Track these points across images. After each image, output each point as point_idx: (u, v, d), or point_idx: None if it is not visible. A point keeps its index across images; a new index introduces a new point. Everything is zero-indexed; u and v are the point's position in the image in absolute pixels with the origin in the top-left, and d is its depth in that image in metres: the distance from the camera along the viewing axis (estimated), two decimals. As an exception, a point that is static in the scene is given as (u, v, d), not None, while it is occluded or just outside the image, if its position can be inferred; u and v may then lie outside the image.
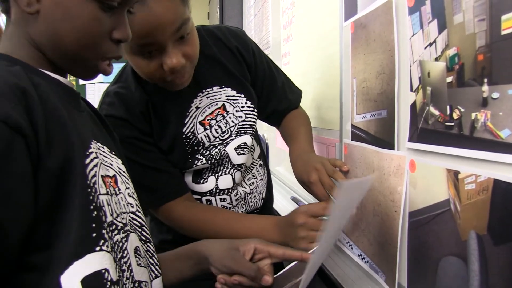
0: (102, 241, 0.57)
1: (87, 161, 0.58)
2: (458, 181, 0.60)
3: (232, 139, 1.05)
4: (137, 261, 0.66)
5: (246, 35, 1.13)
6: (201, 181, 1.05)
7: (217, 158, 1.04)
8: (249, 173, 1.12)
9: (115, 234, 0.61)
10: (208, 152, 1.03)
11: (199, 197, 1.06)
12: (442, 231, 0.65)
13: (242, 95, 1.07)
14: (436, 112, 0.65)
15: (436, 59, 0.65)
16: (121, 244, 0.62)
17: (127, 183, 0.71)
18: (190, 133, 1.02)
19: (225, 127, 1.04)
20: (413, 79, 0.71)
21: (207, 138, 1.03)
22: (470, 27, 0.57)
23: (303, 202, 1.53)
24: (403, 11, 0.74)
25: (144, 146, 0.98)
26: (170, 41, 0.85)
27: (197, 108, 1.02)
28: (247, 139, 1.07)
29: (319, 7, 1.42)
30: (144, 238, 0.72)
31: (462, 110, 0.59)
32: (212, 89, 1.04)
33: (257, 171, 1.14)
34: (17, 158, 0.48)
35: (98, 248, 0.56)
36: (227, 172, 1.05)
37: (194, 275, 0.81)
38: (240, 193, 1.09)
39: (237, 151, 1.06)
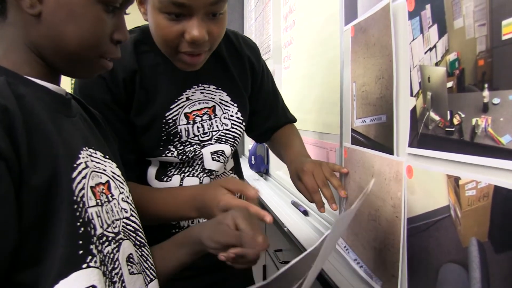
0: (90, 257, 0.56)
1: (74, 174, 0.57)
2: (459, 187, 0.60)
3: (211, 144, 1.02)
4: (129, 269, 0.65)
5: (259, 50, 1.14)
6: (165, 179, 1.00)
7: (189, 156, 0.99)
8: None
9: (106, 246, 0.60)
10: (182, 147, 0.99)
11: None
12: (443, 237, 0.64)
13: (235, 105, 1.05)
14: (437, 118, 0.64)
15: (437, 64, 0.64)
16: (112, 255, 0.61)
17: (121, 187, 0.70)
18: (171, 120, 0.97)
19: (208, 129, 1.01)
20: (414, 84, 0.71)
21: (186, 132, 0.99)
22: (471, 32, 0.56)
23: (303, 207, 1.53)
24: (403, 15, 0.73)
25: (109, 115, 0.91)
26: (203, 11, 0.82)
27: (188, 99, 0.99)
28: (226, 148, 1.04)
29: (320, 11, 1.42)
30: (138, 243, 0.71)
31: (463, 115, 0.58)
32: (209, 87, 1.01)
33: None
34: None
35: (85, 265, 0.55)
36: (195, 175, 1.01)
37: (193, 261, 0.80)
38: None
39: (213, 156, 1.02)
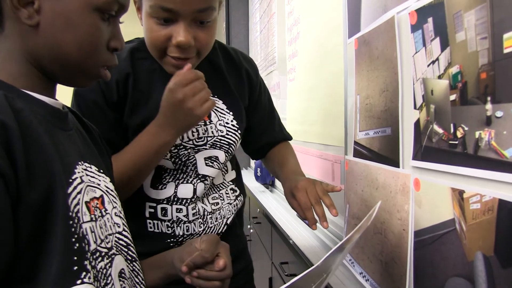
0: (84, 273, 0.55)
1: (70, 189, 0.57)
2: (463, 200, 0.59)
3: (205, 149, 1.01)
4: (121, 284, 0.65)
5: (257, 66, 1.16)
6: (160, 187, 1.00)
7: (182, 160, 0.99)
8: (216, 193, 1.06)
9: (99, 262, 0.60)
10: (176, 150, 0.98)
11: (154, 204, 1.00)
12: (448, 251, 0.63)
13: (231, 113, 1.05)
14: (440, 130, 0.64)
15: (439, 77, 0.64)
16: (104, 271, 0.61)
17: (114, 201, 0.70)
18: None
19: (203, 134, 1.01)
20: (417, 96, 0.71)
21: (180, 136, 0.98)
22: (473, 45, 0.56)
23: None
24: (405, 28, 0.74)
25: (98, 116, 0.94)
26: (190, 18, 0.85)
27: None
28: (220, 154, 1.03)
29: (324, 23, 1.43)
30: (130, 258, 0.71)
31: (466, 128, 0.58)
32: None
33: (226, 194, 1.08)
34: None
35: (79, 281, 0.54)
36: (189, 181, 1.00)
37: (165, 283, 0.83)
38: (199, 209, 1.02)
39: (206, 162, 1.02)
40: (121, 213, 0.72)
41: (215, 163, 1.02)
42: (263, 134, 1.16)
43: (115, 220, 0.68)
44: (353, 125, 0.99)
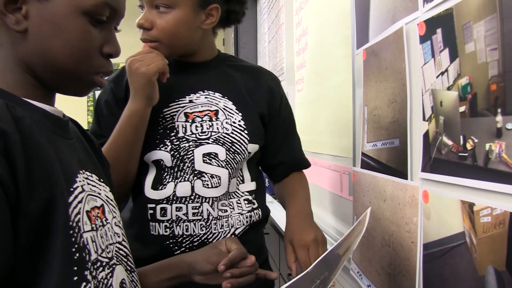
0: (84, 283, 0.55)
1: (71, 198, 0.56)
2: (473, 213, 0.58)
3: (207, 143, 1.01)
4: None
5: (279, 80, 1.19)
6: (160, 187, 1.01)
7: (181, 154, 1.00)
8: (227, 199, 1.04)
9: (100, 272, 0.59)
10: (178, 142, 1.00)
11: (153, 205, 1.01)
12: (458, 264, 0.62)
13: (240, 114, 1.05)
14: (449, 142, 0.63)
15: (449, 88, 0.63)
16: (106, 281, 0.60)
17: (114, 211, 0.69)
18: (168, 116, 1.01)
19: (207, 129, 1.02)
20: (426, 108, 0.70)
21: (183, 128, 1.01)
22: (482, 56, 0.56)
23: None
24: (414, 39, 0.73)
25: (106, 110, 1.04)
26: (148, 3, 0.95)
27: (190, 101, 1.03)
28: (221, 151, 1.02)
29: (332, 34, 1.43)
30: (129, 268, 0.70)
31: (476, 140, 0.58)
32: (214, 94, 1.04)
33: (238, 204, 1.06)
34: None
35: None
36: (186, 179, 1.01)
37: (171, 286, 0.85)
38: (202, 210, 1.01)
39: (204, 158, 1.01)
40: (120, 222, 0.71)
41: (213, 160, 1.01)
42: (278, 152, 1.13)
43: (115, 230, 0.68)
44: (361, 136, 0.99)
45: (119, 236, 0.69)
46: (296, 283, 0.53)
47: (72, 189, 0.57)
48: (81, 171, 0.62)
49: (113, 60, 0.66)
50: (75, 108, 4.83)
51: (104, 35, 0.62)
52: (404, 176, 0.78)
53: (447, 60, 0.63)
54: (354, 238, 0.71)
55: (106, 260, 0.62)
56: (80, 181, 0.60)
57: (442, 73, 0.65)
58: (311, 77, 1.74)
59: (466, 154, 0.59)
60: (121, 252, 0.68)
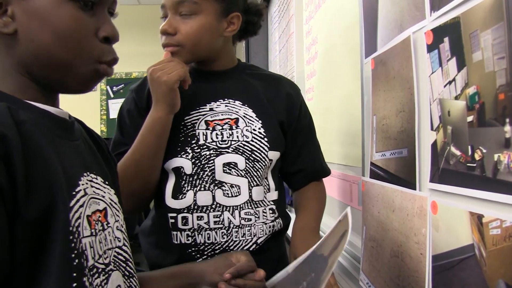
0: None
1: (72, 202, 0.55)
2: (482, 225, 0.57)
3: (228, 152, 1.02)
4: None
5: (300, 91, 1.20)
6: (180, 197, 1.02)
7: (202, 163, 1.01)
8: (252, 208, 1.04)
9: (95, 278, 0.58)
10: (198, 150, 1.02)
11: (174, 215, 1.02)
12: (468, 278, 0.61)
13: (260, 121, 1.06)
14: (457, 152, 0.62)
15: (456, 98, 0.63)
16: (100, 287, 0.60)
17: (117, 215, 0.68)
18: (189, 124, 1.03)
19: (228, 137, 1.03)
20: (434, 117, 0.69)
21: (204, 136, 1.02)
22: (490, 65, 0.55)
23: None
24: (421, 48, 0.73)
25: (127, 120, 1.07)
26: (172, 10, 0.99)
27: (211, 109, 1.05)
28: (240, 160, 1.03)
29: (341, 43, 1.43)
30: (128, 274, 0.69)
31: (484, 150, 0.56)
32: (234, 102, 1.06)
33: (264, 212, 1.05)
34: None
35: None
36: (206, 188, 1.01)
37: None
38: (223, 219, 1.01)
39: (224, 168, 1.02)
40: (122, 227, 0.70)
41: (233, 170, 1.02)
42: (297, 160, 1.13)
43: (116, 234, 0.67)
44: (370, 145, 0.98)
45: (119, 241, 0.68)
46: (279, 284, 0.52)
47: (74, 193, 0.56)
48: (85, 174, 0.61)
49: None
50: (89, 117, 4.90)
51: (97, 19, 0.60)
52: (413, 187, 0.77)
53: (455, 69, 0.62)
54: (338, 239, 0.70)
55: (102, 266, 0.61)
56: (83, 184, 0.59)
57: (449, 82, 0.64)
58: (321, 86, 1.73)
59: (475, 165, 0.58)
60: (120, 257, 0.67)
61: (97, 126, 4.92)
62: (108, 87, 4.94)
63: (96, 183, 0.64)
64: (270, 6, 3.30)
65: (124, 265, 0.68)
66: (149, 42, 4.89)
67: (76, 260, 0.54)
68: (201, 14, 0.99)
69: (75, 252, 0.54)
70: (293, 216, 1.21)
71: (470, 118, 0.59)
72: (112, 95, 4.96)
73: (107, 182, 0.68)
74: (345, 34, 1.38)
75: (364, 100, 1.03)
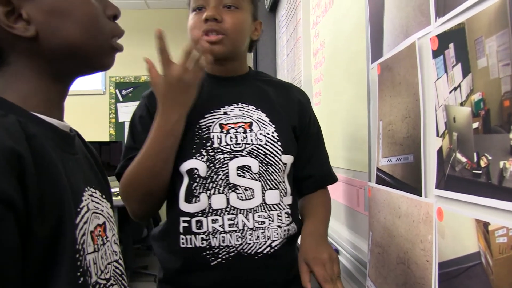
0: None
1: (78, 219, 0.56)
2: (488, 233, 0.56)
3: (242, 155, 1.03)
4: None
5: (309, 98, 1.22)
6: (193, 200, 1.02)
7: (216, 166, 1.02)
8: (266, 211, 1.04)
9: None
10: (213, 153, 1.02)
11: (188, 219, 1.02)
12: (474, 286, 0.60)
13: (273, 125, 1.07)
14: (463, 159, 0.62)
15: (462, 104, 0.62)
16: None
17: (113, 229, 0.68)
18: (204, 127, 1.04)
19: (242, 141, 1.04)
20: (439, 124, 0.69)
21: (218, 139, 1.03)
22: (495, 72, 0.54)
23: (334, 246, 1.49)
24: (427, 54, 0.72)
25: (139, 125, 1.08)
26: (217, 1, 1.02)
27: (225, 113, 1.06)
28: (254, 163, 1.04)
29: (348, 47, 1.42)
30: (123, 287, 0.69)
31: (490, 157, 0.56)
32: (248, 106, 1.08)
33: (279, 216, 1.06)
34: (5, 234, 0.45)
35: None
36: (220, 191, 1.02)
37: None
38: (238, 222, 1.02)
39: (238, 172, 1.03)
40: (117, 240, 0.70)
41: (247, 173, 1.03)
42: (307, 165, 1.15)
43: (113, 248, 0.67)
44: (376, 151, 0.97)
45: (116, 255, 0.68)
46: None
47: (79, 209, 0.57)
48: (86, 188, 0.61)
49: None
50: (98, 120, 4.93)
51: (100, 1, 0.63)
52: (419, 193, 0.76)
53: (460, 75, 0.62)
54: None
55: (104, 281, 0.61)
56: (86, 200, 0.59)
57: (455, 89, 0.64)
58: (328, 91, 1.73)
59: (480, 172, 0.58)
60: (117, 270, 0.67)
61: (106, 129, 4.95)
62: (117, 90, 4.97)
63: (96, 197, 0.64)
64: (278, 10, 3.31)
65: (121, 278, 0.68)
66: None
67: (82, 279, 0.54)
68: (243, 10, 1.05)
69: (81, 270, 0.54)
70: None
71: (475, 125, 0.59)
72: (121, 99, 4.98)
73: (104, 196, 0.68)
74: (352, 39, 1.37)
75: (371, 105, 1.03)
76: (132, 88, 4.95)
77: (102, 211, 0.65)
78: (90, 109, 4.85)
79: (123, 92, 4.96)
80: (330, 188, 1.22)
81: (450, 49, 0.65)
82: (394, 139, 0.86)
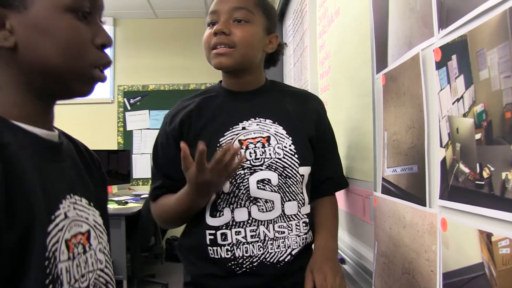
0: None
1: (51, 227, 0.56)
2: (491, 244, 0.57)
3: (261, 169, 1.07)
4: None
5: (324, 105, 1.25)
6: (217, 214, 1.07)
7: (237, 182, 1.06)
8: (285, 222, 1.09)
9: None
10: None
11: (213, 231, 1.07)
12: (478, 297, 0.60)
13: (290, 138, 1.10)
14: (466, 170, 0.62)
15: (464, 115, 0.63)
16: None
17: (101, 237, 0.68)
18: (225, 144, 1.07)
19: (261, 155, 1.07)
20: (443, 134, 0.69)
21: (238, 155, 1.03)
22: (496, 83, 0.55)
23: (340, 255, 1.49)
24: (430, 65, 0.73)
25: (161, 155, 1.14)
26: (227, 15, 1.04)
27: (243, 128, 1.09)
28: (273, 176, 1.07)
29: (353, 58, 1.43)
30: None
31: (492, 168, 0.56)
32: (265, 120, 1.11)
33: (297, 226, 1.10)
34: None
35: None
36: (242, 205, 1.07)
37: None
38: (259, 232, 1.06)
39: (258, 185, 1.07)
40: (105, 248, 0.70)
41: (267, 186, 1.07)
42: (323, 170, 1.18)
43: (98, 256, 0.67)
44: (381, 161, 0.98)
45: (101, 263, 0.67)
46: None
47: (53, 217, 0.57)
48: (68, 196, 0.61)
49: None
50: (106, 128, 4.96)
51: (91, 28, 0.62)
52: (423, 203, 0.76)
53: (463, 86, 0.63)
54: None
55: None
56: (64, 208, 0.59)
57: (458, 100, 0.64)
58: (334, 100, 1.73)
59: (483, 183, 0.58)
60: (101, 279, 0.67)
61: (114, 138, 4.97)
62: (125, 99, 5.00)
63: (80, 204, 0.64)
64: (285, 19, 3.33)
65: (105, 287, 0.68)
66: (166, 55, 4.97)
67: (50, 286, 0.54)
68: (254, 24, 1.06)
69: (50, 278, 0.54)
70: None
71: (478, 136, 0.59)
72: (129, 107, 5.01)
73: (92, 204, 0.68)
74: (357, 49, 1.38)
75: (376, 115, 1.03)
76: (140, 97, 4.98)
77: (87, 219, 0.65)
78: (98, 117, 4.88)
79: (131, 101, 5.00)
80: (338, 197, 1.23)
81: (453, 61, 0.65)
82: (399, 149, 0.87)
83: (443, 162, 0.69)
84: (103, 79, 0.65)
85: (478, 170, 0.59)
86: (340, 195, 1.56)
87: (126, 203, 3.78)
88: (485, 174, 0.58)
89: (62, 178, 0.62)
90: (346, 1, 1.53)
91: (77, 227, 0.62)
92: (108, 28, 4.80)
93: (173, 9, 4.65)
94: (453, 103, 0.65)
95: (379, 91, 1.00)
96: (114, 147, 4.90)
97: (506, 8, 0.53)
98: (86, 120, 4.73)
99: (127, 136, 4.95)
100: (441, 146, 0.70)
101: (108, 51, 0.67)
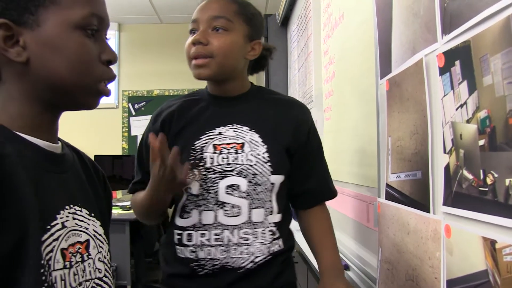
0: None
1: (45, 236, 0.57)
2: (496, 251, 0.56)
3: (232, 175, 1.08)
4: None
5: (310, 113, 1.23)
6: (185, 216, 1.10)
7: (208, 185, 1.08)
8: (250, 228, 1.08)
9: None
10: (205, 173, 1.08)
11: (180, 231, 1.10)
12: (483, 304, 0.60)
13: (265, 146, 1.09)
14: (470, 176, 0.62)
15: (468, 121, 0.62)
16: None
17: (101, 246, 0.70)
18: (198, 148, 1.09)
19: (232, 161, 1.08)
20: (446, 140, 0.69)
21: (211, 159, 1.08)
22: (500, 89, 0.55)
23: (344, 261, 1.48)
24: (434, 71, 0.73)
25: (143, 154, 1.15)
26: (206, 24, 1.04)
27: (220, 134, 1.10)
28: (243, 182, 1.08)
29: (357, 63, 1.43)
30: None
31: (496, 175, 0.56)
32: (242, 127, 1.11)
33: (262, 233, 1.09)
34: None
35: None
36: (209, 208, 1.08)
37: None
38: (223, 237, 1.07)
39: (227, 190, 1.08)
40: (105, 258, 0.71)
41: (235, 191, 1.08)
42: (305, 181, 1.16)
43: (97, 265, 0.68)
44: (385, 167, 0.97)
45: (100, 272, 0.69)
46: None
47: (49, 227, 0.58)
48: (67, 207, 0.63)
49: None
50: (110, 134, 4.98)
51: (99, 45, 0.66)
52: (427, 210, 0.76)
53: (466, 92, 0.62)
54: None
55: None
56: (61, 218, 0.61)
57: (461, 106, 0.64)
58: (338, 106, 1.73)
59: (487, 189, 0.58)
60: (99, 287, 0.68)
61: (118, 143, 4.99)
62: (129, 104, 5.02)
63: (80, 215, 0.66)
64: (289, 25, 3.33)
65: None
66: (170, 61, 4.99)
67: None
68: (233, 32, 1.06)
69: (46, 285, 0.55)
70: (298, 236, 1.23)
71: (481, 142, 0.59)
72: (133, 113, 5.03)
73: (93, 214, 0.70)
74: (361, 54, 1.38)
75: (380, 121, 1.03)
76: (144, 102, 4.99)
77: (87, 228, 0.67)
78: (103, 122, 4.90)
79: (136, 106, 5.01)
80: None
81: (456, 66, 0.65)
82: (403, 155, 0.86)
83: (447, 168, 0.68)
84: (107, 93, 0.68)
85: (481, 177, 0.59)
86: (344, 201, 1.55)
87: (130, 208, 3.78)
88: (488, 181, 0.57)
89: (62, 189, 0.64)
90: (350, 6, 1.54)
91: (76, 237, 0.63)
92: (112, 33, 4.84)
93: (177, 14, 4.67)
94: (457, 109, 0.65)
95: (383, 97, 1.00)
96: (119, 152, 4.91)
97: (510, 13, 0.52)
98: (90, 125, 4.75)
99: (132, 141, 4.96)
100: (444, 152, 0.69)
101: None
